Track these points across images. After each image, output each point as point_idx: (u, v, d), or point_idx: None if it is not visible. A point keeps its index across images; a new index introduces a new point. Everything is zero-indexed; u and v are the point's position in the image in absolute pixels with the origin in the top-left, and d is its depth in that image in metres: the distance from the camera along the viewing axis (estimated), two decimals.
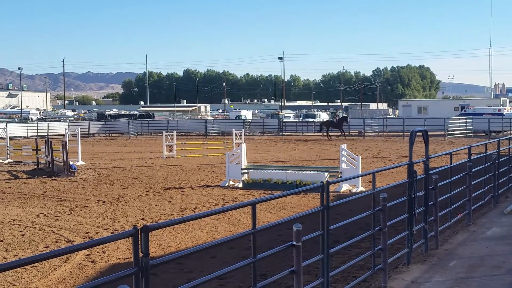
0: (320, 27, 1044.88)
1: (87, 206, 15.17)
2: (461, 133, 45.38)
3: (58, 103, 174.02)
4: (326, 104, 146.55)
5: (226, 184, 18.86)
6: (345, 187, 17.51)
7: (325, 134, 44.21)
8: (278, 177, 18.23)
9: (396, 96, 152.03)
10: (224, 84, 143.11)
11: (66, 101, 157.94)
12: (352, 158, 17.83)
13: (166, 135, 30.40)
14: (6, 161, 28.20)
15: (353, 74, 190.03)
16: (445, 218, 10.61)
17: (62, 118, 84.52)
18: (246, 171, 18.87)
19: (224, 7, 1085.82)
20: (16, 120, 77.31)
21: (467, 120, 46.57)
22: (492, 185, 12.89)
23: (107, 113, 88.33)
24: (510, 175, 14.65)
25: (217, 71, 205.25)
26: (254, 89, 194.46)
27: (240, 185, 18.63)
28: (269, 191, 17.25)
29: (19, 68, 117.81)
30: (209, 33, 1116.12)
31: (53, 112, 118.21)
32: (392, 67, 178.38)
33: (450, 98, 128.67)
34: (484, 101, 66.71)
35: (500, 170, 13.55)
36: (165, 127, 51.75)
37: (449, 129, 45.20)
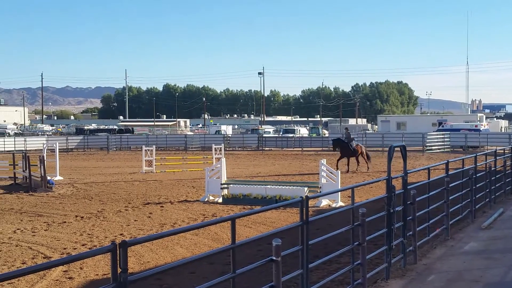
0: (299, 43, 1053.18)
1: (65, 222, 15.01)
2: (438, 149, 45.84)
3: (36, 118, 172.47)
4: (305, 119, 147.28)
5: (206, 199, 18.80)
6: (324, 202, 17.56)
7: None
8: (258, 192, 18.23)
9: (375, 111, 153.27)
10: (204, 99, 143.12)
11: (44, 116, 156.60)
12: (332, 173, 17.91)
13: (145, 150, 30.26)
14: None
15: (332, 90, 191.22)
16: (424, 233, 10.68)
17: (40, 133, 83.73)
18: (226, 186, 18.84)
19: (204, 22, 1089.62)
20: None
21: (445, 136, 47.09)
22: (469, 200, 13.03)
23: (85, 127, 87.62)
24: (487, 190, 14.82)
25: (197, 86, 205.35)
26: (234, 104, 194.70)
27: (220, 200, 18.59)
28: (249, 206, 17.24)
29: None
30: (189, 48, 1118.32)
31: (30, 126, 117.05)
32: (371, 83, 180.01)
33: (428, 114, 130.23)
34: (462, 117, 67.54)
35: (477, 185, 13.72)
36: (144, 142, 51.52)
37: (427, 144, 45.62)
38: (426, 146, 45.23)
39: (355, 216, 7.58)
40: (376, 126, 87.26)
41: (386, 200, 8.38)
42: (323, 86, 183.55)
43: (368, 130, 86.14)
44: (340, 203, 17.19)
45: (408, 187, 9.17)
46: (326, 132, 73.07)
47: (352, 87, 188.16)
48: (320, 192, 16.86)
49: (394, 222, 8.41)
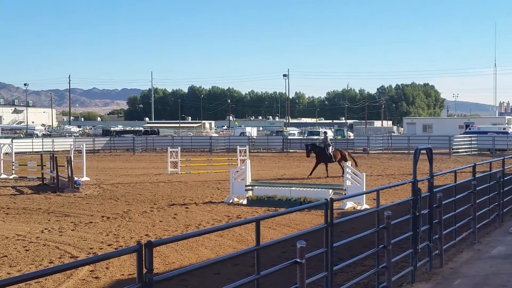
0: (325, 45, 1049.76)
1: (92, 222, 15.18)
2: (465, 151, 45.28)
3: (63, 119, 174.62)
4: (330, 121, 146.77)
5: (230, 201, 18.85)
6: (349, 205, 17.48)
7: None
8: (283, 194, 18.22)
9: (400, 114, 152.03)
10: (229, 100, 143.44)
11: (72, 117, 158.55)
12: (357, 176, 17.82)
13: (170, 151, 30.45)
14: (11, 177, 28.28)
15: (357, 92, 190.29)
16: (450, 237, 10.56)
17: (68, 134, 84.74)
18: (250, 187, 18.87)
19: (230, 24, 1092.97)
20: (21, 136, 77.44)
21: (472, 139, 46.49)
22: (497, 203, 12.85)
23: (112, 129, 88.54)
24: None
25: (222, 88, 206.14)
26: (259, 106, 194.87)
27: (245, 201, 18.62)
28: (273, 208, 17.24)
29: (25, 84, 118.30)
30: (214, 50, 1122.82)
31: (58, 128, 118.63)
32: (397, 85, 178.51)
33: (455, 116, 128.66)
34: (489, 120, 66.69)
35: (505, 189, 13.52)
36: (169, 143, 51.79)
37: (453, 147, 45.11)
38: (452, 149, 44.71)
39: (380, 218, 7.53)
40: (402, 129, 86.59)
41: (411, 203, 8.31)
42: (349, 88, 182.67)
43: (394, 133, 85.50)
44: (365, 206, 17.10)
45: (434, 190, 9.09)
46: (351, 134, 72.75)
47: (377, 89, 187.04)
48: (345, 194, 16.79)
49: (420, 225, 8.34)
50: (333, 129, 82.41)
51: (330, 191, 17.86)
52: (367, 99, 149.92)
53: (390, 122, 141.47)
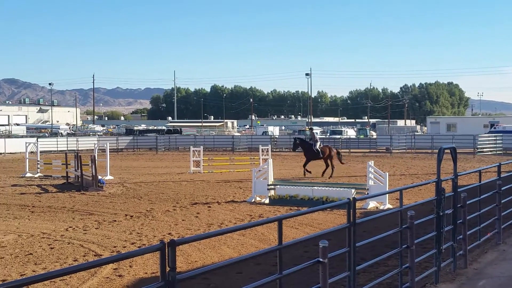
0: (347, 44, 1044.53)
1: (115, 221, 15.31)
2: (490, 151, 44.74)
3: (87, 118, 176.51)
4: (353, 120, 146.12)
5: (253, 200, 18.87)
6: (372, 204, 17.38)
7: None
8: (305, 193, 18.20)
9: (424, 113, 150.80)
10: (251, 100, 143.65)
11: (96, 116, 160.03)
12: (379, 175, 17.72)
13: (193, 151, 30.59)
14: (36, 175, 28.64)
15: (380, 91, 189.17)
16: (474, 237, 10.45)
17: (91, 133, 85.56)
18: (272, 187, 18.87)
19: (252, 23, 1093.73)
20: (46, 134, 78.40)
21: (497, 138, 45.91)
22: None
23: (135, 128, 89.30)
24: None
25: (244, 87, 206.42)
26: (281, 105, 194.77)
27: (267, 201, 18.63)
28: (296, 207, 17.21)
29: (50, 84, 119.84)
30: (237, 49, 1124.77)
31: (82, 127, 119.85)
32: (420, 83, 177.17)
33: (480, 115, 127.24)
34: None
35: None
36: (192, 142, 52.04)
37: (478, 146, 44.60)
38: (477, 149, 44.22)
39: (403, 218, 7.49)
40: (425, 128, 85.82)
41: (435, 202, 8.25)
42: (371, 87, 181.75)
43: (417, 132, 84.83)
44: (388, 205, 17.00)
45: (459, 189, 9.00)
46: (374, 133, 72.33)
47: (400, 88, 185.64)
48: (368, 194, 16.71)
49: (443, 225, 8.27)
50: (355, 128, 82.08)
51: (353, 190, 17.78)
52: (390, 98, 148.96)
53: (413, 121, 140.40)
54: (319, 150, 26.75)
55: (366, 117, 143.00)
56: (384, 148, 49.90)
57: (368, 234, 8.82)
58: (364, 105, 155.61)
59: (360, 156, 44.36)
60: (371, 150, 50.06)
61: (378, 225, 11.14)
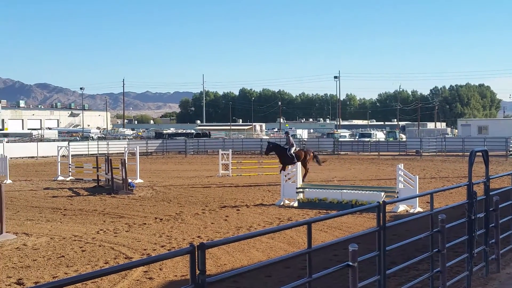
0: (376, 46, 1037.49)
1: (145, 223, 15.44)
2: None
3: (117, 122, 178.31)
4: (382, 123, 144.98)
5: (281, 203, 18.86)
6: (402, 208, 17.23)
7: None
8: (334, 197, 18.12)
9: (454, 115, 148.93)
10: (280, 103, 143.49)
11: (125, 120, 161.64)
12: (409, 178, 17.55)
13: (222, 154, 30.69)
14: (68, 179, 29.05)
15: (410, 93, 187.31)
16: (507, 241, 10.27)
17: (122, 137, 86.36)
18: (301, 190, 18.84)
19: (280, 26, 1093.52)
20: (77, 138, 79.44)
21: None
22: None
23: (164, 132, 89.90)
24: None
25: (273, 90, 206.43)
26: (309, 108, 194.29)
27: (295, 204, 18.60)
28: (324, 211, 17.17)
29: (81, 88, 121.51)
30: (265, 53, 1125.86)
31: (113, 130, 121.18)
32: (451, 85, 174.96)
33: None
34: None
35: None
36: (221, 146, 52.25)
37: (510, 149, 43.85)
38: (509, 151, 43.48)
39: (434, 222, 7.40)
40: (456, 130, 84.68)
41: (467, 206, 8.14)
42: (401, 89, 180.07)
43: (448, 134, 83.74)
44: (418, 209, 16.82)
45: (491, 193, 8.86)
46: (403, 136, 71.65)
47: (430, 90, 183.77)
48: (397, 197, 16.56)
49: (475, 229, 8.15)
50: (384, 131, 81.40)
51: (382, 194, 17.66)
52: (419, 101, 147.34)
53: (443, 124, 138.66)
54: (294, 154, 25.58)
55: (395, 120, 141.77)
56: (414, 151, 49.40)
57: (398, 237, 8.73)
58: (394, 107, 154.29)
59: (389, 159, 44.01)
60: (400, 153, 49.58)
61: (409, 229, 11.03)
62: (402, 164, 18.50)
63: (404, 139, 59.65)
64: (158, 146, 57.86)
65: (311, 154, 26.35)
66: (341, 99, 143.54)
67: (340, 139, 59.02)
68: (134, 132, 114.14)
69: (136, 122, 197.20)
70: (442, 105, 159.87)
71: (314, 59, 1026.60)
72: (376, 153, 49.11)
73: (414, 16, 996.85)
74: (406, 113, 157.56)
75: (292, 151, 25.65)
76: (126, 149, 33.34)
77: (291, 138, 26.44)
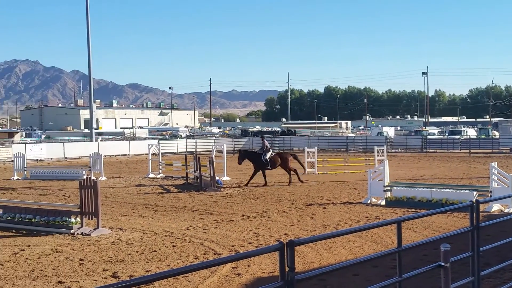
0: (467, 39, 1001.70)
1: (233, 220, 15.71)
2: None
3: (204, 121, 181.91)
4: (473, 120, 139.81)
5: (368, 201, 18.64)
6: (495, 207, 16.60)
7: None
8: (423, 195, 17.71)
9: None
10: (365, 100, 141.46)
11: (212, 119, 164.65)
12: (504, 177, 16.88)
13: (307, 152, 30.67)
14: (158, 176, 29.97)
15: (503, 88, 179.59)
16: None
17: (209, 135, 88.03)
18: (389, 188, 18.54)
19: (364, 24, 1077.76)
20: (167, 137, 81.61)
21: None
22: None
23: (250, 130, 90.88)
24: None
25: (358, 87, 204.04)
26: (396, 105, 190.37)
27: (383, 202, 18.32)
28: (413, 210, 16.82)
29: (169, 88, 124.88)
30: (350, 50, 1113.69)
31: (200, 129, 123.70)
32: None
33: None
34: None
35: None
36: (306, 143, 52.12)
37: None
38: None
39: None
40: None
41: None
42: (493, 84, 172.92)
43: None
44: None
45: None
46: (496, 133, 68.80)
47: None
48: (491, 196, 15.97)
49: None
50: (476, 128, 78.48)
51: (475, 192, 17.09)
52: None
53: None
54: (268, 160, 24.73)
55: (487, 116, 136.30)
56: (508, 148, 47.36)
57: (492, 238, 8.44)
58: (486, 103, 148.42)
59: (481, 157, 42.44)
60: (493, 150, 47.67)
61: (504, 229, 10.62)
62: (496, 162, 17.82)
63: (497, 136, 57.26)
64: (245, 144, 58.45)
65: (290, 158, 25.37)
66: (430, 95, 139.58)
67: (429, 137, 57.43)
68: (220, 130, 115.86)
69: (222, 120, 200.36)
70: None
71: (401, 56, 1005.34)
72: (467, 151, 47.47)
73: (505, 9, 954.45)
74: (499, 109, 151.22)
75: (267, 156, 24.87)
76: (213, 147, 34.02)
77: (266, 142, 25.61)
